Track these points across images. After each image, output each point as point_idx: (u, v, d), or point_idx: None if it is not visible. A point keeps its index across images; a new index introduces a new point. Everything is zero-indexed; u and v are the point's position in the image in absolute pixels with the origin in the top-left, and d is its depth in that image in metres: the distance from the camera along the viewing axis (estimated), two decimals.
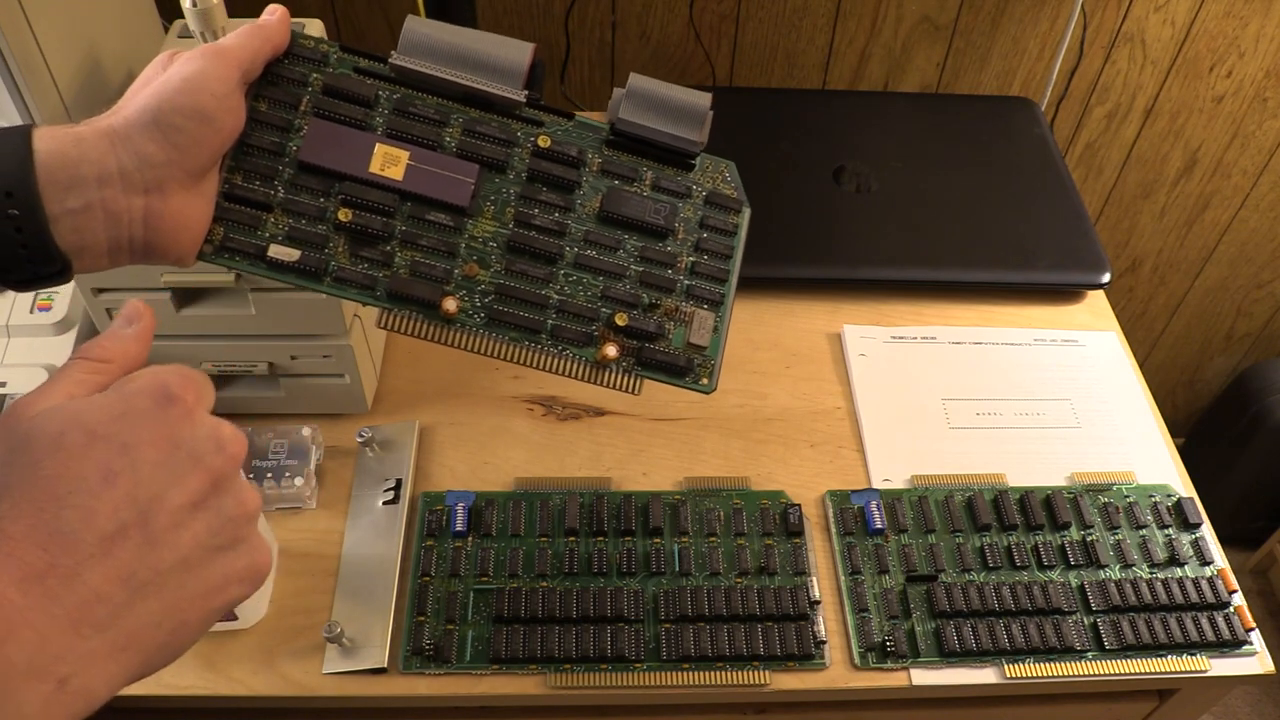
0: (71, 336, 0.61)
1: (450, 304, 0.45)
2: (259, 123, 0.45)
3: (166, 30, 0.70)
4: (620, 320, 0.46)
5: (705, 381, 0.48)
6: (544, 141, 0.47)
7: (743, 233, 0.49)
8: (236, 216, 0.44)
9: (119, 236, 0.39)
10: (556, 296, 0.46)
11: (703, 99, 0.47)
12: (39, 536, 0.28)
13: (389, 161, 0.45)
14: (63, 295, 0.62)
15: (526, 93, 0.46)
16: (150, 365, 0.34)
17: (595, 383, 0.46)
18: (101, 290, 0.56)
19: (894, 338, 0.74)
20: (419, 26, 0.45)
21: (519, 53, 0.46)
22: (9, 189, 0.36)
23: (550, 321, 0.46)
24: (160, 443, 0.31)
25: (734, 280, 0.49)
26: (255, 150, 0.44)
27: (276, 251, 0.44)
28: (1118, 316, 0.78)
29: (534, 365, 0.46)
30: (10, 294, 0.62)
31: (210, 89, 0.40)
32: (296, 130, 0.45)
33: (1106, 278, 0.77)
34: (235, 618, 0.54)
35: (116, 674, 0.29)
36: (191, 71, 0.40)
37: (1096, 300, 0.79)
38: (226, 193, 0.44)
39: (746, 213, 0.49)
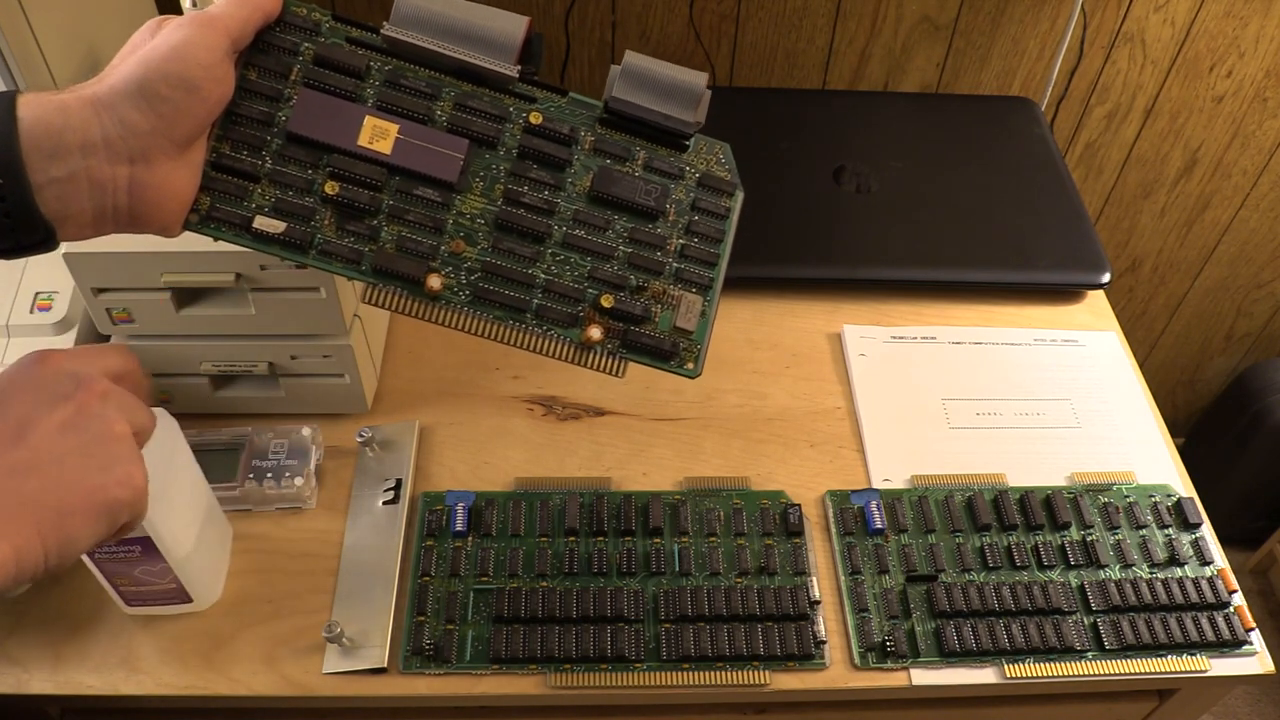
0: (71, 336, 0.61)
1: (435, 281, 0.44)
2: (248, 91, 0.44)
3: None
4: (606, 302, 0.46)
5: (690, 366, 0.47)
6: (535, 118, 0.46)
7: (734, 216, 0.48)
8: (223, 186, 0.44)
9: (103, 205, 0.39)
10: (543, 276, 0.46)
11: (699, 78, 0.47)
12: None
13: (378, 134, 0.45)
14: (62, 295, 0.62)
15: (519, 67, 0.46)
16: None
17: (579, 364, 0.46)
18: (101, 290, 0.56)
19: (894, 338, 0.74)
20: None
21: (513, 26, 0.45)
22: None
23: (536, 301, 0.46)
24: (29, 387, 0.38)
25: (724, 264, 0.48)
26: (244, 120, 0.44)
27: (262, 223, 0.44)
28: (1118, 316, 0.78)
29: (518, 345, 0.46)
30: (10, 294, 0.62)
31: (197, 58, 0.40)
32: (286, 100, 0.45)
33: (1106, 278, 0.77)
34: (190, 599, 0.54)
35: (19, 532, 0.35)
36: (179, 40, 0.40)
37: (1096, 300, 0.79)
38: (214, 162, 0.43)
39: (739, 195, 0.49)
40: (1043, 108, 0.96)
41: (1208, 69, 1.06)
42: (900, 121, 0.88)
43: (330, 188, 0.44)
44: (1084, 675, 0.57)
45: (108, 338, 0.60)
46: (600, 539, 0.60)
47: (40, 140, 0.37)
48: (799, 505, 0.62)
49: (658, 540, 0.60)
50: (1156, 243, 1.26)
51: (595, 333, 0.45)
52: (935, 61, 1.03)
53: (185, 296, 0.58)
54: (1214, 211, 1.22)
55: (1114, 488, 0.65)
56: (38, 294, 0.62)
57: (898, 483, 0.65)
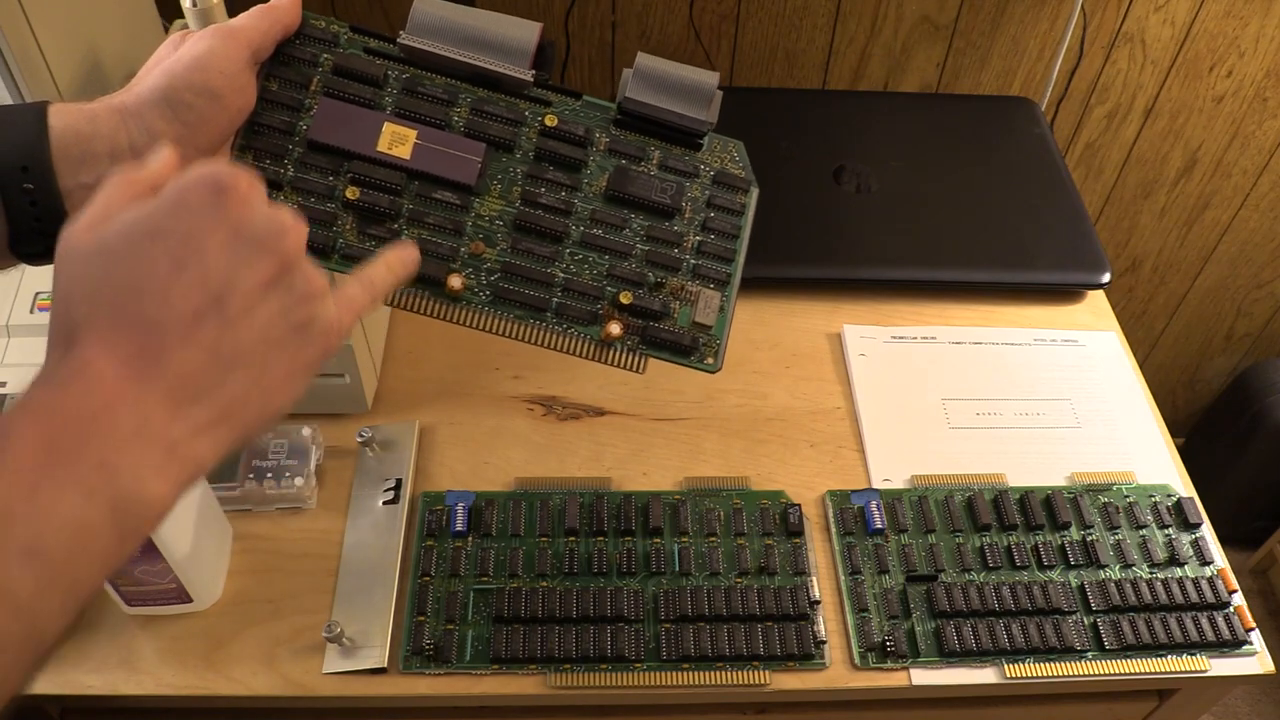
0: None
1: (455, 281, 0.45)
2: (270, 102, 0.45)
3: (167, 30, 0.71)
4: (625, 299, 0.46)
5: (710, 361, 0.47)
6: (551, 121, 0.47)
7: (750, 212, 0.49)
8: None
9: None
10: (562, 275, 0.46)
11: (710, 78, 0.47)
12: (125, 326, 0.31)
13: (397, 140, 0.45)
14: None
15: (534, 72, 0.46)
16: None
17: (600, 361, 0.47)
18: None
19: (894, 338, 0.74)
20: (428, 6, 0.46)
21: (526, 32, 0.46)
22: (25, 163, 0.37)
23: (555, 300, 0.46)
24: (222, 230, 0.32)
25: (741, 260, 0.49)
26: (266, 129, 0.45)
27: None
28: (1118, 316, 0.78)
29: (538, 343, 0.46)
30: (10, 294, 0.62)
31: (220, 68, 0.41)
32: (306, 109, 0.46)
33: (1106, 278, 0.77)
34: (190, 599, 0.54)
35: (219, 440, 0.32)
36: (201, 50, 0.41)
37: (1096, 300, 0.79)
38: None
39: (754, 192, 0.49)
40: (1043, 108, 0.96)
41: (1208, 69, 1.06)
42: (900, 121, 0.88)
43: (351, 193, 0.45)
44: (1084, 675, 0.57)
45: None
46: (600, 539, 0.60)
47: (70, 147, 0.38)
48: (799, 505, 0.62)
49: (658, 540, 0.60)
50: (1156, 243, 1.26)
51: (615, 329, 0.46)
52: (935, 61, 1.03)
53: None
54: (1214, 211, 1.22)
55: (1114, 488, 0.65)
56: (38, 294, 0.62)
57: (898, 483, 0.65)
